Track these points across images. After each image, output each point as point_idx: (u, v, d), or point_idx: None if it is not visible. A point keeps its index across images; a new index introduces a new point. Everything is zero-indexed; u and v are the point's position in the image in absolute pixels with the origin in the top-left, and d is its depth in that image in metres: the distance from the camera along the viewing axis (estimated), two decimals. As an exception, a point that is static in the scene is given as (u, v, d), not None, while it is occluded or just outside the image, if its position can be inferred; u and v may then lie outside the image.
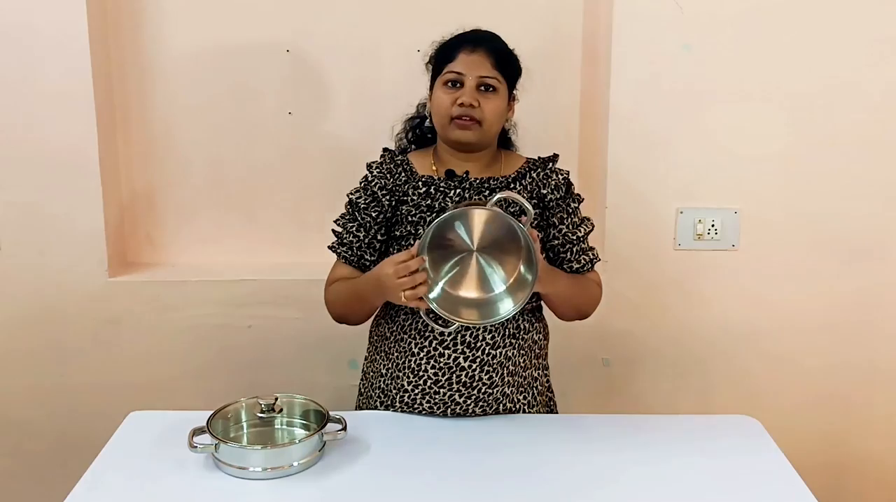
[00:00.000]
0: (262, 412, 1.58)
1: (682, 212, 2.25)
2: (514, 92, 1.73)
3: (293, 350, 2.33)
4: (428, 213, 1.68)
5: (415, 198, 1.70)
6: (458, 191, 1.69)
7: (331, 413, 1.56)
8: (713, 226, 2.25)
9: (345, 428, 1.54)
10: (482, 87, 1.65)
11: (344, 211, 1.76)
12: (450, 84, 1.65)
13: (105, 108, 2.23)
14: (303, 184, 2.37)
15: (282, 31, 2.28)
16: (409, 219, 1.69)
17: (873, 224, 2.27)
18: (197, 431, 1.50)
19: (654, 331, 2.34)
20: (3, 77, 2.13)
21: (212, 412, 1.56)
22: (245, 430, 1.60)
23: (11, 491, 2.38)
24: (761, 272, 2.29)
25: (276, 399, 1.59)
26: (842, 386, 2.38)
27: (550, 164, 1.74)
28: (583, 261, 1.73)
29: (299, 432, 1.59)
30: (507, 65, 1.69)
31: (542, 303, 1.76)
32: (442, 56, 1.69)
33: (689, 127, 2.21)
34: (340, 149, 2.34)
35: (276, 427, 1.61)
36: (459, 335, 1.66)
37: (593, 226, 1.78)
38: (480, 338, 1.67)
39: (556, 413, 1.88)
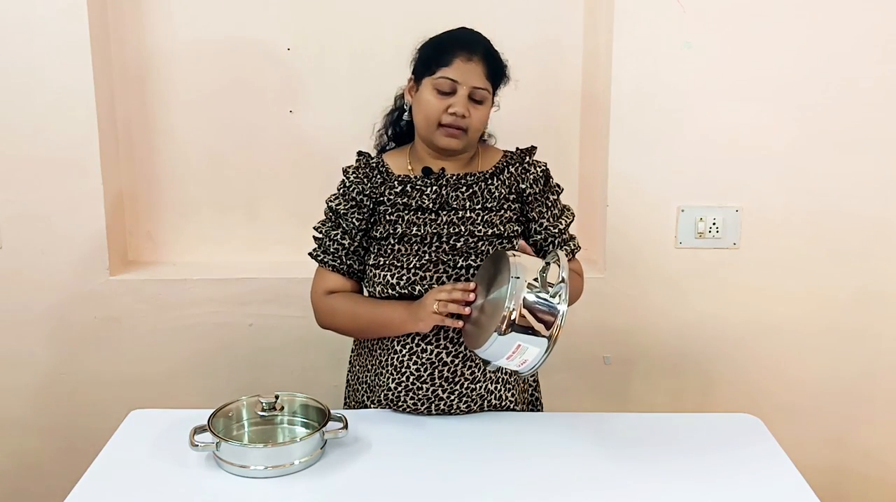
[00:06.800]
0: (264, 410, 1.58)
1: (683, 211, 2.25)
2: (496, 98, 1.73)
3: (294, 348, 2.33)
4: (405, 212, 1.69)
5: (391, 197, 1.70)
6: (434, 188, 1.69)
7: (332, 411, 1.56)
8: (714, 224, 2.25)
9: (346, 427, 1.54)
10: (472, 97, 1.65)
11: (324, 218, 1.76)
12: (442, 89, 1.64)
13: (106, 107, 2.23)
14: (304, 182, 2.37)
15: (282, 29, 2.28)
16: (387, 217, 1.70)
17: (874, 223, 2.27)
18: (198, 429, 1.50)
19: (655, 329, 2.34)
20: (4, 77, 2.13)
21: (213, 410, 1.56)
22: (246, 429, 1.60)
23: (11, 490, 2.39)
24: (762, 270, 2.29)
25: (277, 397, 1.59)
26: (843, 385, 2.38)
27: (528, 158, 1.74)
28: (565, 251, 1.73)
29: (300, 430, 1.59)
30: (497, 73, 1.69)
31: None
32: (435, 57, 1.66)
33: (690, 125, 2.21)
34: (341, 147, 2.33)
35: (277, 425, 1.61)
36: (442, 331, 1.65)
37: (574, 216, 1.78)
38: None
39: (541, 411, 1.87)
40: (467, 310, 1.53)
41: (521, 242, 1.58)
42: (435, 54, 1.66)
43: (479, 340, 1.47)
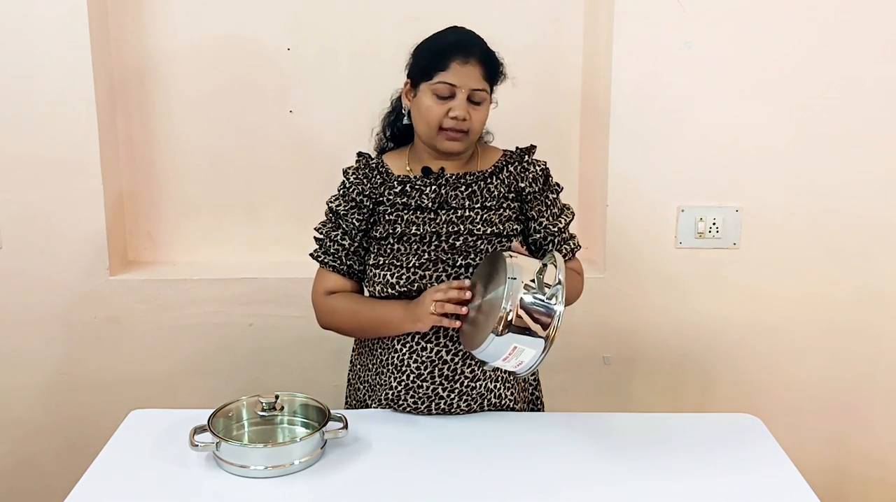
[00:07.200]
0: (264, 410, 1.58)
1: (683, 211, 2.25)
2: (493, 95, 1.73)
3: (294, 348, 2.33)
4: (404, 211, 1.69)
5: (391, 197, 1.70)
6: (433, 187, 1.70)
7: (332, 411, 1.56)
8: (714, 224, 2.25)
9: (346, 427, 1.54)
10: (471, 99, 1.65)
11: (325, 218, 1.76)
12: (441, 94, 1.65)
13: (106, 107, 2.23)
14: (304, 182, 2.37)
15: (282, 29, 2.28)
16: (387, 217, 1.70)
17: (874, 223, 2.27)
18: (198, 429, 1.50)
19: (655, 329, 2.34)
20: (4, 77, 2.13)
21: (213, 410, 1.56)
22: (246, 429, 1.60)
23: (11, 490, 2.39)
24: (762, 270, 2.29)
25: (277, 397, 1.59)
26: (843, 385, 2.38)
27: (527, 157, 1.75)
28: (564, 250, 1.74)
29: (300, 430, 1.59)
30: (494, 73, 1.70)
31: None
32: (431, 61, 1.66)
33: (690, 125, 2.21)
34: (341, 147, 2.33)
35: (277, 425, 1.61)
36: (442, 329, 1.65)
37: (573, 215, 1.78)
38: None
39: (542, 411, 1.87)
40: (464, 310, 1.53)
41: (515, 243, 1.58)
42: (431, 59, 1.67)
43: (475, 341, 1.47)
